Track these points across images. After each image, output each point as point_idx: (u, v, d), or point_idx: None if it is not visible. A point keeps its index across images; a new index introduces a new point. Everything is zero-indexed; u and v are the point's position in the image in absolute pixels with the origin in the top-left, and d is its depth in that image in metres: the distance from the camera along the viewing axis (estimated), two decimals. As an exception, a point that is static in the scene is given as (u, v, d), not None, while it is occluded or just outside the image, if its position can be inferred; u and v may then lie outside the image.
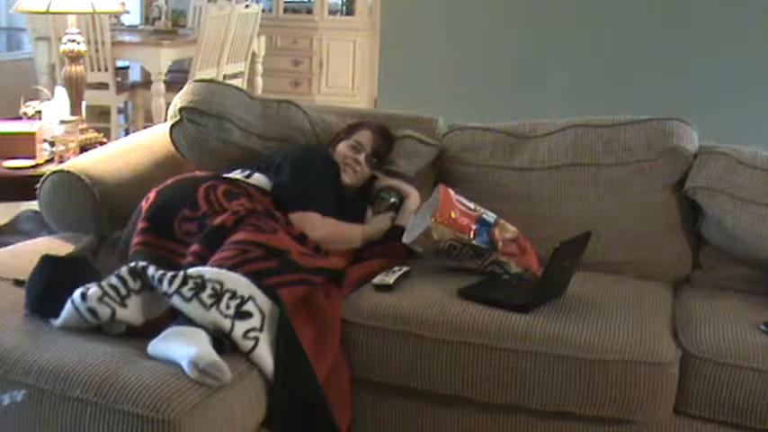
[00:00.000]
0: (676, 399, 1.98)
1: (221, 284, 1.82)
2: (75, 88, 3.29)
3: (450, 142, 2.73)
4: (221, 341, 1.75)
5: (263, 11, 5.96)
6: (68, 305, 1.79)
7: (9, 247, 2.35)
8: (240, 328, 1.77)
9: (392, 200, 2.50)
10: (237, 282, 1.84)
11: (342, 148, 2.55)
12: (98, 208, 2.41)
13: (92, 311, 1.77)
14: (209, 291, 1.79)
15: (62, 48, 3.30)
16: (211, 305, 1.77)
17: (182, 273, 1.82)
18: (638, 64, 4.45)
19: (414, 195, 2.51)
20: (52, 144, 3.07)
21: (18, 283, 2.00)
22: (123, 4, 3.48)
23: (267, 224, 2.10)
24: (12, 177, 2.90)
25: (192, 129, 2.64)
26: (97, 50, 5.02)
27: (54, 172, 2.46)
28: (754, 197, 2.36)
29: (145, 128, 3.44)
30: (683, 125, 2.56)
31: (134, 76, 6.26)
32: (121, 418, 1.57)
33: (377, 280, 2.18)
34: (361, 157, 2.53)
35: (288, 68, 7.10)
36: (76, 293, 1.79)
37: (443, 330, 2.01)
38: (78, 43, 3.27)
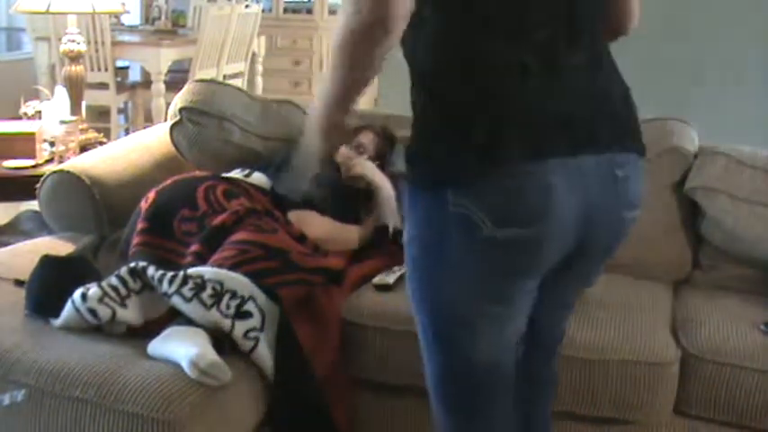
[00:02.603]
0: (676, 399, 1.98)
1: (221, 284, 1.82)
2: (75, 88, 3.29)
3: (451, 142, 2.72)
4: (221, 341, 1.75)
5: (263, 11, 5.95)
6: (69, 305, 1.79)
7: (9, 247, 2.35)
8: (240, 328, 1.77)
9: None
10: (238, 282, 1.84)
11: (344, 149, 2.54)
12: (98, 208, 2.41)
13: (92, 312, 1.77)
14: (209, 291, 1.79)
15: (62, 48, 3.30)
16: (212, 305, 1.77)
17: (182, 273, 1.83)
18: (638, 64, 4.46)
19: (386, 188, 2.46)
20: (52, 144, 3.07)
21: (18, 283, 2.00)
22: (123, 4, 3.48)
23: (267, 224, 2.10)
24: (12, 177, 2.90)
25: (192, 129, 2.64)
26: (97, 50, 5.02)
27: (54, 172, 2.46)
28: (754, 197, 2.36)
29: (145, 128, 3.43)
30: (682, 125, 2.56)
31: (134, 76, 6.25)
32: (121, 418, 1.57)
33: (377, 280, 2.18)
34: (364, 158, 2.52)
35: (288, 68, 7.09)
36: (77, 294, 1.79)
37: (443, 330, 2.01)
38: (78, 43, 3.27)
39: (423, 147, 1.32)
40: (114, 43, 5.12)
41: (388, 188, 2.47)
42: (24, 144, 3.01)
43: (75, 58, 3.28)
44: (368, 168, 2.50)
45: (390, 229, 2.34)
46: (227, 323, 1.76)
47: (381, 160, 2.58)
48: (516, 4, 1.27)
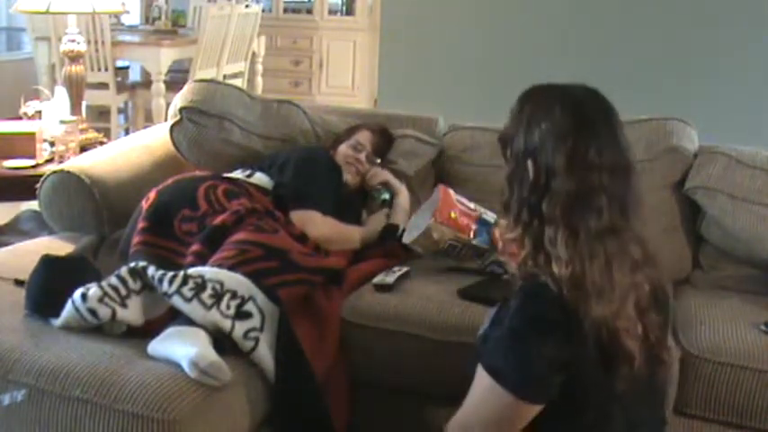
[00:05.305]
0: (676, 399, 1.98)
1: (221, 284, 1.82)
2: (75, 88, 3.29)
3: (450, 142, 2.73)
4: (221, 341, 1.75)
5: (263, 11, 5.96)
6: (69, 305, 1.79)
7: (9, 247, 2.35)
8: (240, 328, 1.77)
9: (383, 197, 2.49)
10: (238, 282, 1.84)
11: (343, 149, 2.55)
12: (98, 208, 2.41)
13: (92, 312, 1.77)
14: (209, 291, 1.79)
15: (62, 48, 3.30)
16: (212, 305, 1.77)
17: (182, 273, 1.83)
18: (638, 64, 4.46)
19: (403, 193, 2.50)
20: (52, 144, 3.07)
21: (18, 283, 2.00)
22: (123, 4, 3.48)
23: (267, 224, 2.10)
24: (12, 177, 2.90)
25: (193, 128, 2.64)
26: (97, 50, 5.02)
27: (54, 172, 2.46)
28: (754, 197, 2.36)
29: (145, 128, 3.44)
30: (683, 125, 2.56)
31: (134, 76, 6.26)
32: (121, 417, 1.57)
33: (377, 280, 2.18)
34: (363, 156, 2.53)
35: (288, 68, 7.10)
36: (77, 294, 1.79)
37: (443, 330, 2.01)
38: (78, 43, 3.28)
39: None
40: (114, 43, 5.12)
41: (405, 193, 2.49)
42: (24, 144, 3.01)
43: (75, 58, 3.28)
44: (387, 175, 2.53)
45: (400, 229, 2.34)
46: (227, 323, 1.76)
47: (381, 159, 2.58)
48: None
